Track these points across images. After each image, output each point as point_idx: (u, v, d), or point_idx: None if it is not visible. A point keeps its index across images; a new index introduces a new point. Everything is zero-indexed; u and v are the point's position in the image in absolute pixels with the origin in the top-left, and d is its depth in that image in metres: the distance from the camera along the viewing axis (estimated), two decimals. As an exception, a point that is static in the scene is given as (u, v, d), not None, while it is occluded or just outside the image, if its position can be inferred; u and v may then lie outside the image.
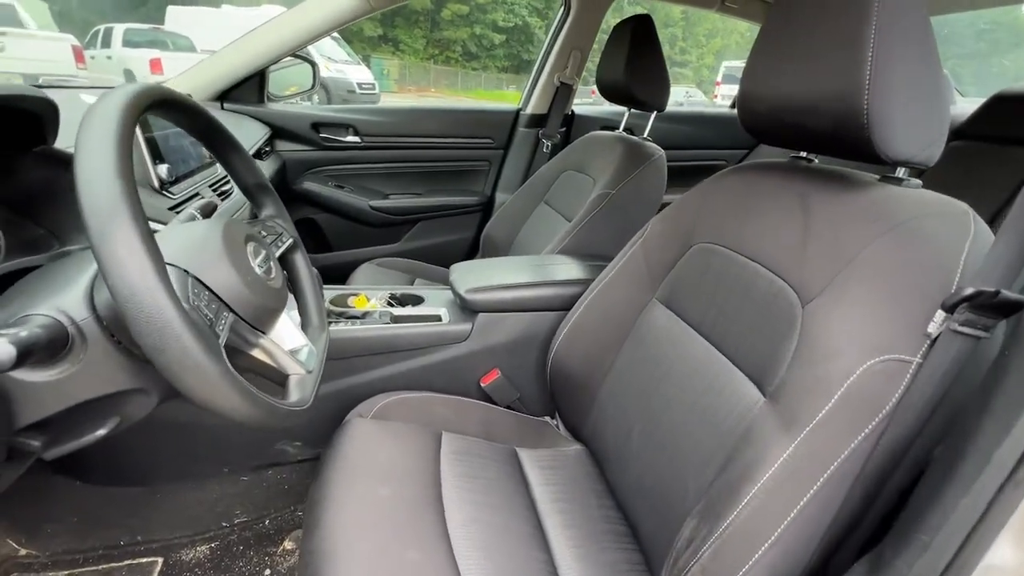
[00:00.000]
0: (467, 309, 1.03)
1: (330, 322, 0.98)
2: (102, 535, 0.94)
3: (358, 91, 9.91)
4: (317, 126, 1.64)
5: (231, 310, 0.50)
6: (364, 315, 1.03)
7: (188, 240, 0.51)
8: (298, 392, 0.58)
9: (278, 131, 1.59)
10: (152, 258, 0.38)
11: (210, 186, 0.98)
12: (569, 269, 1.12)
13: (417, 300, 1.13)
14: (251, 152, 1.36)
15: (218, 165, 1.00)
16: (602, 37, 1.66)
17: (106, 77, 8.62)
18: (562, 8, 1.66)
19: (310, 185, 1.67)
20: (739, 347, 0.69)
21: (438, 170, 1.83)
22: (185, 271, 0.48)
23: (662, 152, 1.31)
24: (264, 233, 0.66)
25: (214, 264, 0.50)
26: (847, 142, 0.61)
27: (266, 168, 1.44)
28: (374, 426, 0.85)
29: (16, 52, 7.05)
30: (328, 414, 0.93)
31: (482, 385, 1.04)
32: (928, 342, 0.49)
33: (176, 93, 0.51)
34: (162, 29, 10.06)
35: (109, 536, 0.94)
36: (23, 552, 0.89)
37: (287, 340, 0.63)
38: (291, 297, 0.68)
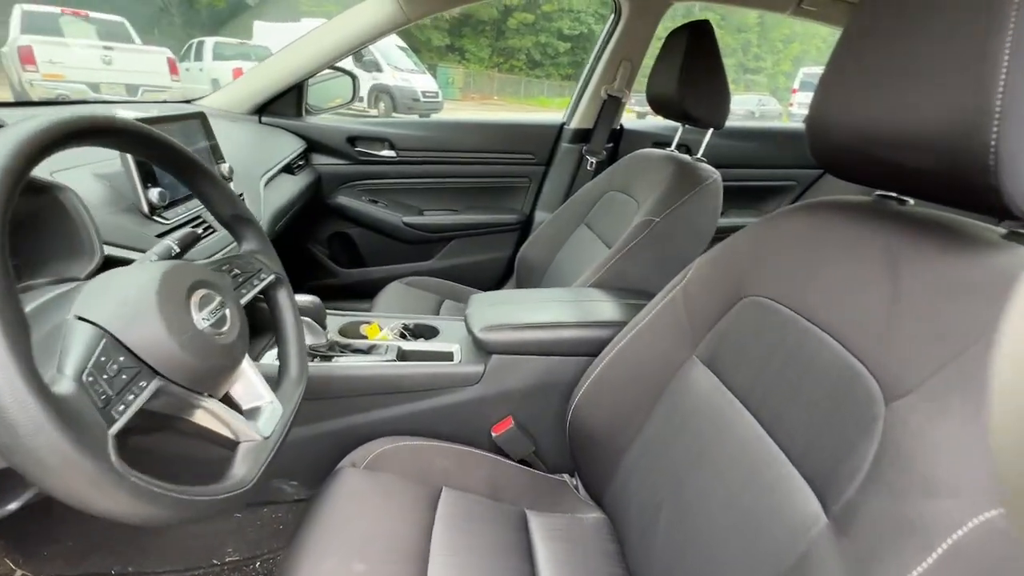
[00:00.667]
0: (482, 349, 0.93)
1: (334, 355, 0.91)
2: (95, 562, 0.91)
3: (422, 99, 10.21)
4: (353, 140, 1.60)
5: (158, 374, 0.43)
6: (371, 348, 0.95)
7: (116, 291, 0.44)
8: (245, 466, 0.50)
9: (314, 144, 1.56)
10: (5, 333, 0.31)
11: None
12: (600, 308, 0.99)
13: (432, 332, 1.04)
14: (284, 165, 1.34)
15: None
16: (657, 44, 1.52)
17: (193, 88, 9.34)
18: (612, 15, 1.53)
19: (344, 199, 1.63)
20: (796, 437, 0.54)
21: (475, 186, 1.74)
22: (102, 330, 0.41)
23: (717, 175, 1.15)
24: (236, 271, 0.59)
25: (141, 320, 0.42)
26: (962, 187, 0.45)
27: (300, 181, 1.41)
28: (365, 480, 0.76)
29: (121, 64, 7.76)
30: (326, 453, 0.86)
31: (493, 435, 0.93)
32: None
33: (109, 120, 0.45)
34: (248, 43, 10.80)
35: (102, 564, 0.91)
36: (19, 573, 0.88)
37: (247, 398, 0.55)
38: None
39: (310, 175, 1.52)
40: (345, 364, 0.88)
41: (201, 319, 0.47)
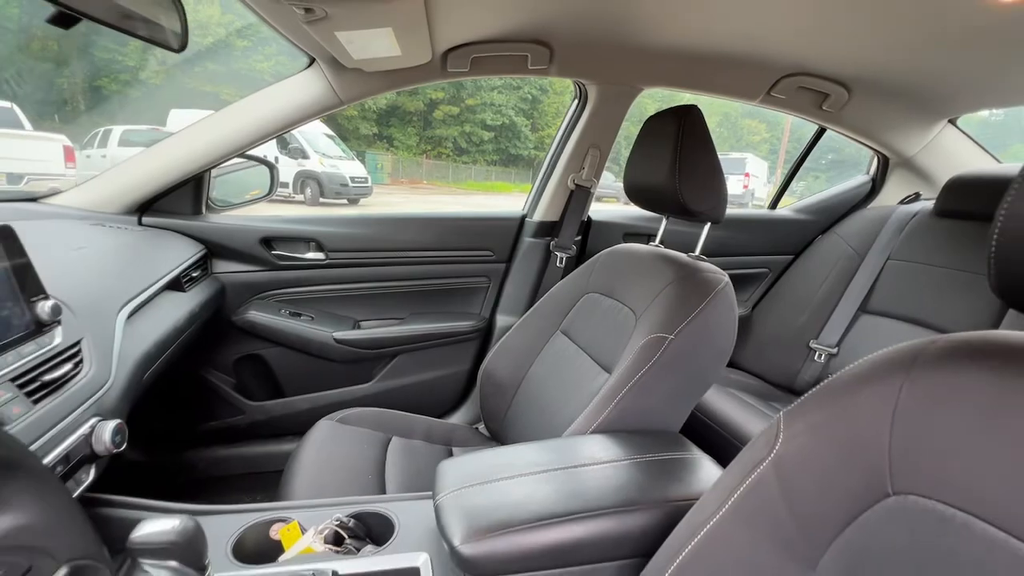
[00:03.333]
0: (466, 569, 0.60)
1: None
2: None
3: (351, 185, 10.12)
4: (269, 241, 1.29)
5: None
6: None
7: None
8: None
9: (216, 249, 1.23)
10: None
11: (25, 372, 0.56)
12: (629, 476, 0.71)
13: (384, 527, 0.70)
14: (167, 281, 0.99)
15: (49, 334, 0.60)
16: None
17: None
18: (576, 101, 1.39)
19: (256, 314, 1.28)
20: None
21: (424, 289, 1.46)
22: None
23: (727, 278, 0.95)
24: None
25: None
26: None
27: (192, 299, 1.06)
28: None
29: (3, 152, 7.10)
30: None
31: None
32: None
33: None
34: (160, 129, 10.35)
35: None
36: None
37: None
38: None
39: (209, 288, 1.17)
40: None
41: None
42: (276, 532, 0.70)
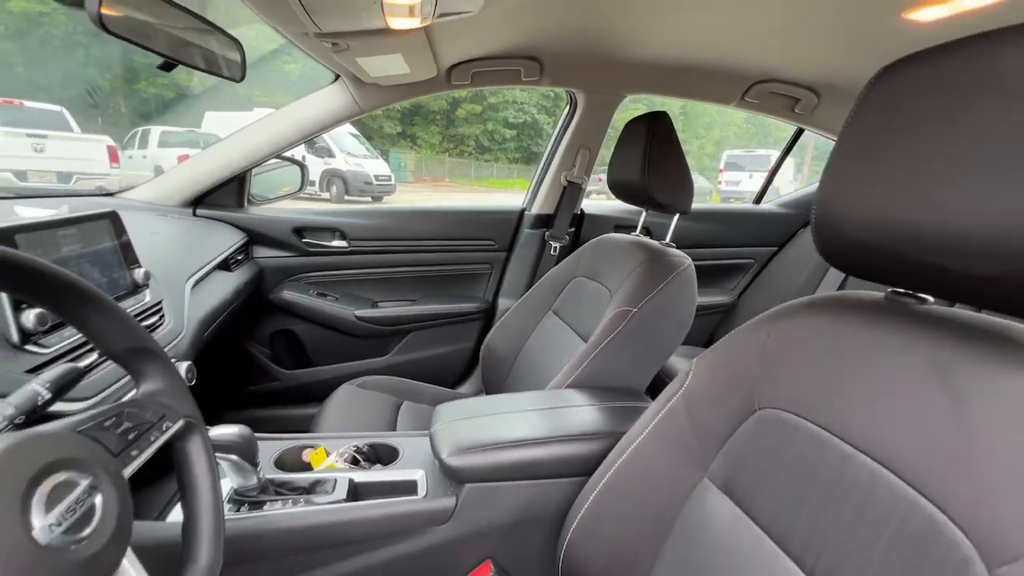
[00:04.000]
0: (452, 478, 0.78)
1: (264, 501, 0.73)
2: None
3: (375, 183, 10.36)
4: (300, 230, 1.49)
5: None
6: (314, 485, 0.77)
7: None
8: None
9: (256, 236, 1.43)
10: None
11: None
12: (587, 416, 0.88)
13: (391, 454, 0.88)
14: (219, 262, 1.19)
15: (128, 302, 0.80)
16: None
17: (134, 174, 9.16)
18: (568, 106, 1.56)
19: (289, 294, 1.48)
20: None
21: (434, 275, 1.64)
22: None
23: (690, 261, 1.10)
24: (128, 425, 0.44)
25: None
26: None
27: (237, 278, 1.26)
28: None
29: (55, 152, 7.52)
30: None
31: (470, 585, 0.76)
32: None
33: None
34: (196, 131, 10.79)
35: None
36: None
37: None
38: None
39: (250, 270, 1.38)
40: (281, 513, 0.70)
41: (48, 526, 0.32)
42: (307, 455, 0.89)
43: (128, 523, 0.38)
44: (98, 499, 0.36)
